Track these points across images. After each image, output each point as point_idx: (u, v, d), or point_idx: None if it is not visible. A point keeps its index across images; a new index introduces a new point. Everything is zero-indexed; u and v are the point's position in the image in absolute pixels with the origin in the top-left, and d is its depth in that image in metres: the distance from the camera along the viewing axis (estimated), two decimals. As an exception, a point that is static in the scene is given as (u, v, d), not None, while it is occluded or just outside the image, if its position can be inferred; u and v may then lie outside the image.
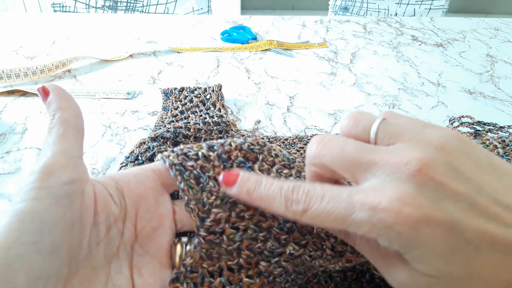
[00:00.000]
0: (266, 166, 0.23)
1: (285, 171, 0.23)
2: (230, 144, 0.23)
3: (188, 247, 0.22)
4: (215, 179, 0.22)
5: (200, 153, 0.23)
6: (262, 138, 0.45)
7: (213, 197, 0.22)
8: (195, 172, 0.22)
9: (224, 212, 0.21)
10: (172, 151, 0.23)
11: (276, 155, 0.24)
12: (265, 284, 0.21)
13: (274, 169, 0.23)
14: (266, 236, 0.21)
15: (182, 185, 0.22)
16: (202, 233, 0.21)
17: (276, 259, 0.21)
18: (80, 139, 0.22)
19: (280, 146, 0.44)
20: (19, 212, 0.17)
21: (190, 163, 0.22)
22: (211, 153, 0.23)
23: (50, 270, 0.17)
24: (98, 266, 0.20)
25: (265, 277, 0.21)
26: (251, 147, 0.23)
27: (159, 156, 0.24)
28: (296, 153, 0.43)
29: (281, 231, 0.21)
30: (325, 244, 0.21)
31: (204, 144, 0.24)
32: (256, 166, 0.22)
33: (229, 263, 0.21)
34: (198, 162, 0.22)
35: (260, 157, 0.23)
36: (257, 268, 0.21)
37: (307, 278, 0.24)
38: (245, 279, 0.21)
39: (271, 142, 0.45)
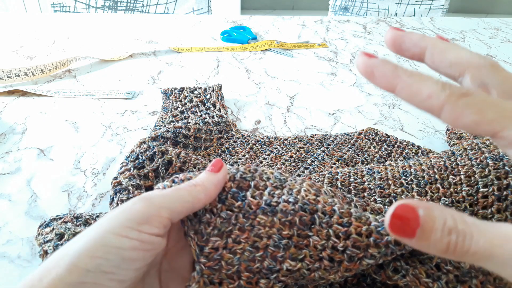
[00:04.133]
0: (258, 192, 0.24)
1: (277, 191, 0.24)
2: None
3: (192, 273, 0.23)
4: (212, 211, 0.23)
5: None
6: (262, 138, 0.45)
7: (211, 228, 0.23)
8: None
9: (221, 240, 0.22)
10: (173, 182, 0.24)
11: (268, 178, 0.25)
12: None
13: (266, 192, 0.24)
14: (263, 256, 0.22)
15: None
16: (203, 260, 0.22)
17: (275, 275, 0.22)
18: (185, 214, 0.23)
19: (280, 146, 0.44)
20: (107, 243, 0.19)
21: None
22: None
23: None
24: (138, 283, 0.22)
25: None
26: (244, 175, 0.25)
27: (160, 185, 0.25)
28: (296, 153, 0.43)
29: (277, 248, 0.22)
30: (323, 256, 0.22)
31: None
32: (248, 194, 0.23)
33: (230, 286, 0.22)
34: None
35: (252, 183, 0.24)
36: (258, 287, 0.22)
37: None
38: None
39: (271, 142, 0.45)
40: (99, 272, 0.18)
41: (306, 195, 0.23)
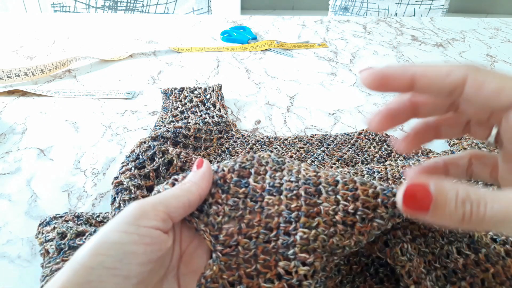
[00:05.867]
0: (259, 177, 0.24)
1: (278, 174, 0.24)
2: (223, 169, 0.25)
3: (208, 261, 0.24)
4: (217, 203, 0.24)
5: None
6: (262, 138, 0.45)
7: (220, 217, 0.23)
8: None
9: (234, 226, 0.23)
10: (173, 185, 0.25)
11: (267, 162, 0.25)
12: None
13: (267, 176, 0.24)
14: (277, 235, 0.22)
15: (187, 217, 0.24)
16: (219, 247, 0.22)
17: (291, 250, 0.22)
18: (185, 213, 0.23)
19: (280, 146, 0.44)
20: (107, 240, 0.20)
21: None
22: None
23: None
24: (155, 287, 0.22)
25: (286, 280, 0.22)
26: (243, 165, 0.25)
27: (160, 187, 0.25)
28: (296, 153, 0.43)
29: (289, 223, 0.22)
30: (336, 220, 0.22)
31: None
32: (251, 180, 0.24)
33: (247, 270, 0.22)
34: None
35: (253, 170, 0.25)
36: (275, 270, 0.22)
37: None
38: (263, 284, 0.22)
39: (271, 142, 0.45)
40: (102, 268, 0.19)
41: (307, 173, 0.24)
